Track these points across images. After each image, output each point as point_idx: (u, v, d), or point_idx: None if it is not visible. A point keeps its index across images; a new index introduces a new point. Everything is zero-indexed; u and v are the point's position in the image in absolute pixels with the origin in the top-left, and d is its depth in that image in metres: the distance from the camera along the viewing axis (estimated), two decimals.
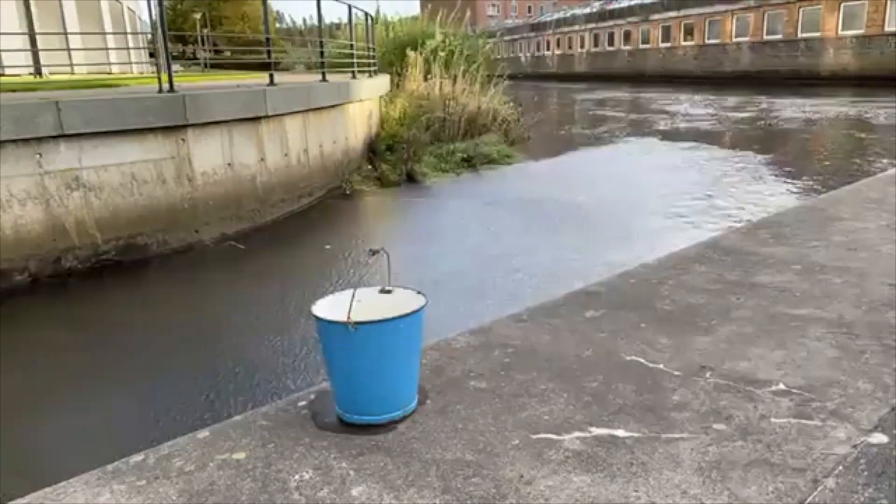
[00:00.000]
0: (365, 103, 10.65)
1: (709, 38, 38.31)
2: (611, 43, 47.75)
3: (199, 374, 4.19)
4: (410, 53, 14.73)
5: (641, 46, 44.23)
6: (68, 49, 11.75)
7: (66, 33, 13.19)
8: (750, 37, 35.15)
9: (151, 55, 14.03)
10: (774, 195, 8.45)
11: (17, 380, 4.00)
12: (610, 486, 1.57)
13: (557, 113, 24.91)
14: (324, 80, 9.39)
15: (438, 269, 5.96)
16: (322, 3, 9.08)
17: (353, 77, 10.66)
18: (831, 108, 19.90)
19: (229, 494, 1.58)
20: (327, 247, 6.93)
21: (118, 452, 1.80)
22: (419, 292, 1.96)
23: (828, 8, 30.51)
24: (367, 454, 1.72)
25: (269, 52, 8.55)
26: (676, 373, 2.12)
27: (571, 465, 1.65)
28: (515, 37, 61.06)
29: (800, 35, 32.10)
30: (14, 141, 5.25)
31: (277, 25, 36.06)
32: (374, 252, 1.97)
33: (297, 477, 1.64)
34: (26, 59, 10.54)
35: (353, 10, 11.14)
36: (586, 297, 2.84)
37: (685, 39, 40.19)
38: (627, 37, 45.75)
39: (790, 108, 20.12)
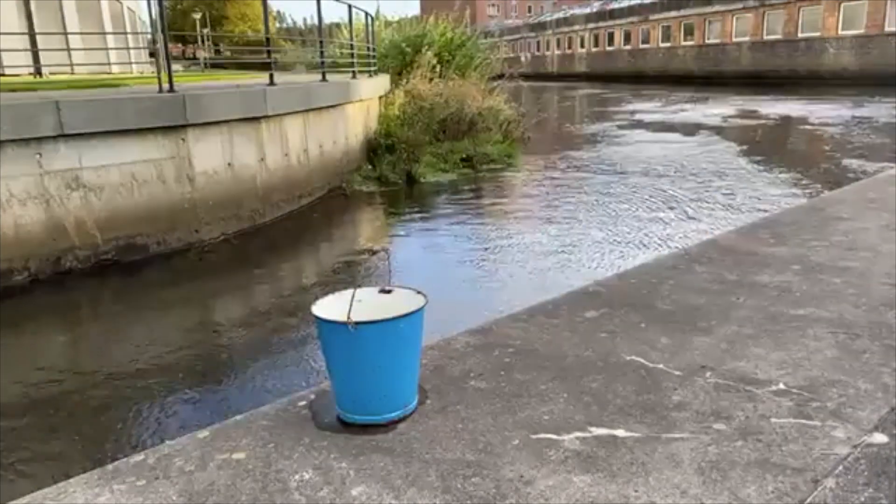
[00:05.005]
0: (365, 103, 10.65)
1: (709, 38, 38.29)
2: (611, 43, 47.73)
3: (196, 373, 4.19)
4: (408, 49, 14.73)
5: (641, 46, 44.21)
6: (68, 49, 11.73)
7: (66, 33, 13.18)
8: (750, 37, 35.13)
9: (151, 55, 14.01)
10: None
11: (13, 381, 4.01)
12: (610, 486, 1.57)
13: (556, 112, 25.04)
14: (324, 80, 9.39)
15: (437, 269, 5.96)
16: (322, 3, 9.08)
17: (353, 77, 10.66)
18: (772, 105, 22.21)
19: (229, 494, 1.58)
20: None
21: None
22: (419, 292, 1.96)
23: (828, 8, 30.51)
24: (367, 454, 1.72)
25: (269, 52, 8.54)
26: (676, 373, 2.12)
27: (571, 465, 1.65)
28: (515, 37, 61.05)
29: (800, 35, 32.09)
30: (14, 141, 5.24)
31: (277, 25, 36.13)
32: (374, 252, 1.97)
33: (297, 477, 1.64)
34: (26, 59, 10.52)
35: (353, 10, 11.14)
36: (586, 297, 2.84)
37: (685, 39, 40.17)
38: (627, 37, 45.73)
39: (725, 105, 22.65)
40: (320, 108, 8.56)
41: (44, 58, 10.76)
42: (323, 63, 9.71)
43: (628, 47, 45.70)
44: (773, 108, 20.61)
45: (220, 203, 6.64)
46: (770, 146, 13.87)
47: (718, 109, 20.99)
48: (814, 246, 3.47)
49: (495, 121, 13.01)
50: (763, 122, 17.76)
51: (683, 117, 19.45)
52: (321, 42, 10.27)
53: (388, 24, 18.50)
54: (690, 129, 16.11)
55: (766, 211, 7.64)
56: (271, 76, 7.90)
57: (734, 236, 3.83)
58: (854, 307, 2.62)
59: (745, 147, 13.02)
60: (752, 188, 9.07)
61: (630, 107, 24.38)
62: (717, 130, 15.84)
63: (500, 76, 16.99)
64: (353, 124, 10.00)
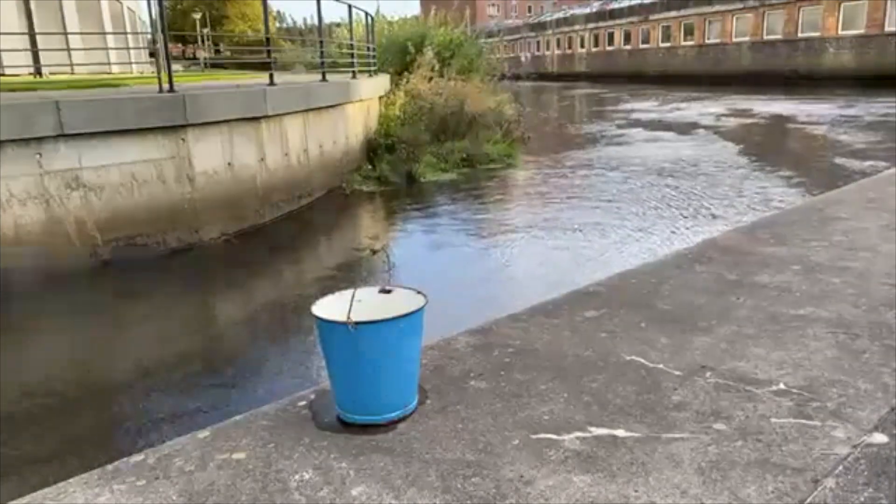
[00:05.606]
0: (365, 103, 10.64)
1: (709, 38, 38.27)
2: (611, 43, 47.70)
3: (196, 371, 4.19)
4: (411, 48, 14.74)
5: (641, 46, 44.17)
6: (68, 49, 11.73)
7: (66, 33, 13.17)
8: (750, 37, 35.11)
9: (151, 55, 14.00)
10: None
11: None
12: (610, 486, 1.57)
13: (556, 112, 25.10)
14: (324, 79, 9.39)
15: (437, 268, 5.96)
16: (322, 3, 9.08)
17: (354, 77, 10.66)
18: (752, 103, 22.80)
19: (229, 494, 1.58)
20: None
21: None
22: (419, 292, 1.96)
23: (828, 8, 30.49)
24: (367, 454, 1.72)
25: (268, 52, 8.54)
26: (676, 373, 2.12)
27: (571, 465, 1.65)
28: (515, 37, 60.99)
29: (800, 35, 32.07)
30: (14, 141, 5.24)
31: (277, 25, 36.14)
32: (374, 252, 1.97)
33: (297, 477, 1.64)
34: (26, 59, 10.52)
35: (353, 10, 11.13)
36: (586, 297, 2.84)
37: (685, 39, 40.14)
38: (627, 37, 45.69)
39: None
40: (320, 108, 8.56)
41: (44, 58, 10.76)
42: (323, 63, 9.71)
43: (628, 47, 45.67)
44: (768, 107, 20.91)
45: (220, 203, 6.64)
46: (757, 142, 14.36)
47: (713, 108, 21.32)
48: (813, 246, 3.47)
49: (495, 120, 13.01)
50: (755, 120, 18.10)
51: (679, 116, 19.81)
52: (321, 42, 10.27)
53: (389, 24, 18.51)
54: (685, 128, 16.45)
55: (745, 193, 8.00)
56: (271, 76, 7.90)
57: (734, 236, 3.83)
58: (854, 307, 2.62)
59: (733, 143, 13.60)
60: (737, 178, 9.45)
61: (628, 106, 24.63)
62: (711, 128, 16.19)
63: (501, 76, 16.99)
64: (353, 124, 9.99)
